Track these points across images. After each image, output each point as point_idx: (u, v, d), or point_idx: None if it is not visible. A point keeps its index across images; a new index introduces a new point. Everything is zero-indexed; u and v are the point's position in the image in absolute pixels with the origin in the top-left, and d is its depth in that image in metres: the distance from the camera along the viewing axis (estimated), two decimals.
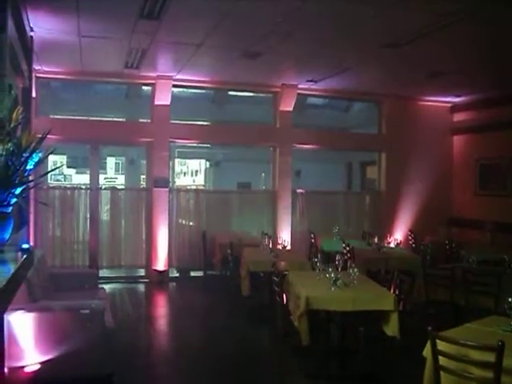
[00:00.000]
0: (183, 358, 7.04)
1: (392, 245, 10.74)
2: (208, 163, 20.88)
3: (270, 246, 9.78)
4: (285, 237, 11.79)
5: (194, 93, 14.12)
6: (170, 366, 6.81)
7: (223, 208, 12.66)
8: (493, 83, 11.38)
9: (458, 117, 13.85)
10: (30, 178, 4.06)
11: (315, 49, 9.08)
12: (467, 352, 4.09)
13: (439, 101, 13.58)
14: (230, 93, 14.84)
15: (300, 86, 12.34)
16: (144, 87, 12.65)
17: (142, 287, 11.74)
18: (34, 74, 9.58)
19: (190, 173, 22.57)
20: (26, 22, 7.54)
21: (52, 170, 12.35)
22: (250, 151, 15.23)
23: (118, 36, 8.55)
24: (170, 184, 12.69)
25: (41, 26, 7.97)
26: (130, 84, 12.90)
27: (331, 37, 8.38)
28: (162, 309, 10.60)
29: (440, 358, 4.18)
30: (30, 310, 5.15)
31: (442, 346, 4.19)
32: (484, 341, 4.10)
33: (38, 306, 5.56)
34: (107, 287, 9.71)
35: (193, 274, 12.30)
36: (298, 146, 12.90)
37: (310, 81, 11.67)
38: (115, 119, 13.01)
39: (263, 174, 15.98)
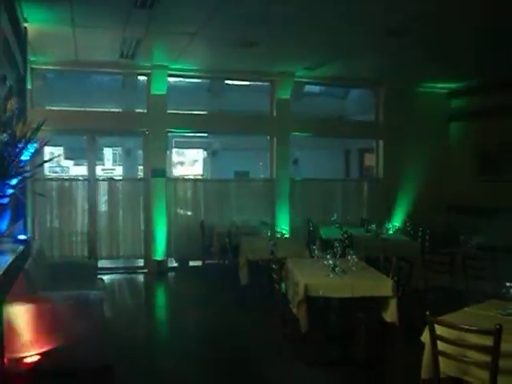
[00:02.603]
0: (183, 348, 7.05)
1: (391, 231, 10.75)
2: (205, 152, 20.86)
3: (269, 234, 9.77)
4: (283, 225, 11.80)
5: (191, 82, 14.10)
6: (170, 355, 6.81)
7: (221, 197, 12.64)
8: (491, 68, 11.33)
9: (456, 103, 13.81)
10: (26, 168, 4.04)
11: (312, 36, 9.01)
12: (465, 336, 4.10)
13: (436, 87, 13.54)
14: (227, 82, 14.80)
15: (297, 74, 12.29)
16: (140, 77, 12.62)
17: (141, 277, 11.74)
18: (28, 65, 9.52)
19: (188, 162, 22.54)
20: (19, 13, 7.50)
21: (48, 161, 12.29)
22: (248, 140, 15.20)
23: (112, 25, 8.51)
24: (168, 174, 12.67)
25: (35, 16, 7.93)
26: (125, 74, 12.87)
27: (329, 23, 8.32)
28: (161, 299, 10.63)
29: (438, 342, 4.19)
30: (28, 301, 5.14)
31: (440, 330, 4.19)
32: (482, 325, 4.11)
33: (36, 296, 5.56)
34: (106, 278, 9.73)
35: (192, 263, 12.27)
36: (296, 134, 12.87)
37: (308, 68, 11.61)
38: (112, 110, 12.96)
39: (261, 163, 15.95)
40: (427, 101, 13.42)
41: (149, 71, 11.66)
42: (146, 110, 12.05)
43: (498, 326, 3.85)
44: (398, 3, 7.34)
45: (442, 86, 13.54)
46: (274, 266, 6.72)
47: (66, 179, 12.94)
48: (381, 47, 9.74)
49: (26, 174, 4.08)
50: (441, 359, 4.21)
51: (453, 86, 13.51)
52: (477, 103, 13.10)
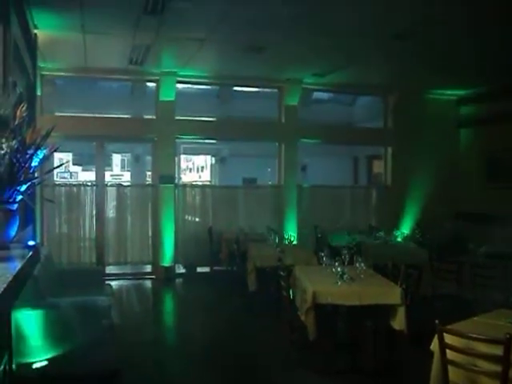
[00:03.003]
0: (190, 354, 7.05)
1: (399, 239, 10.73)
2: (214, 159, 20.88)
3: (276, 241, 9.76)
4: (291, 231, 11.78)
5: (199, 88, 14.12)
6: (178, 361, 6.81)
7: (229, 203, 12.64)
8: (499, 75, 11.30)
9: (465, 110, 13.78)
10: (36, 174, 4.05)
11: (321, 42, 9.00)
12: (475, 345, 4.08)
13: (445, 94, 13.51)
14: (235, 88, 14.82)
15: (305, 81, 12.30)
16: (149, 83, 12.66)
17: (148, 284, 11.75)
18: (38, 72, 9.57)
19: (196, 169, 22.59)
20: (29, 20, 7.54)
21: (57, 167, 12.34)
22: (256, 146, 15.20)
23: (122, 32, 8.54)
24: (176, 180, 12.69)
25: (45, 23, 7.97)
26: (134, 80, 12.91)
27: (337, 29, 8.33)
28: (168, 305, 10.63)
29: (448, 351, 4.17)
30: (37, 307, 5.16)
31: (449, 339, 4.17)
32: (492, 334, 4.08)
33: (45, 302, 5.57)
34: (114, 284, 9.72)
35: (199, 269, 12.27)
36: (304, 140, 12.87)
37: (316, 75, 11.61)
38: (120, 116, 13.00)
39: (269, 169, 15.96)
40: (436, 107, 13.38)
41: (157, 78, 11.71)
42: (154, 117, 12.08)
43: (508, 336, 3.82)
44: (407, 8, 7.34)
45: (451, 93, 13.50)
46: (281, 273, 6.72)
47: (75, 185, 12.97)
48: (390, 53, 9.74)
49: (35, 180, 4.08)
50: (450, 368, 4.19)
51: (462, 92, 13.48)
52: (485, 110, 13.06)
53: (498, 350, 3.88)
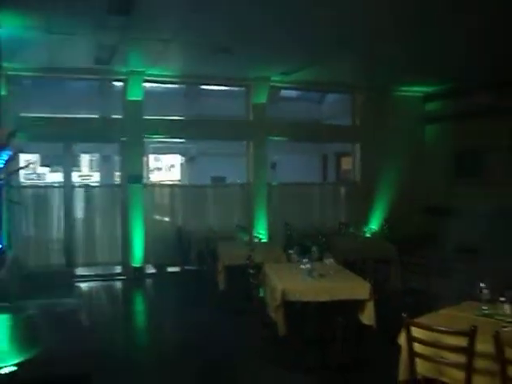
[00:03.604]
0: (161, 355, 7.02)
1: (368, 234, 10.83)
2: (182, 158, 20.79)
3: (246, 239, 9.78)
4: (261, 229, 11.81)
5: (167, 88, 14.05)
6: (148, 363, 6.78)
7: (199, 203, 12.61)
8: (464, 72, 11.48)
9: (431, 106, 13.97)
10: (0, 176, 4.01)
11: (286, 41, 9.04)
12: (441, 338, 4.15)
13: (412, 91, 13.68)
14: (203, 87, 14.79)
15: (273, 79, 12.33)
16: (116, 83, 12.56)
17: (119, 284, 11.67)
18: (2, 72, 9.43)
19: (165, 168, 22.46)
20: None
21: (22, 168, 12.19)
22: (225, 145, 15.18)
23: (87, 32, 8.44)
24: (145, 180, 12.62)
25: (8, 22, 7.85)
26: (101, 80, 12.80)
27: (303, 29, 8.35)
28: (139, 305, 10.57)
29: (415, 344, 4.23)
30: (3, 311, 5.10)
31: (417, 332, 4.24)
32: (458, 326, 4.16)
33: (12, 306, 5.51)
34: (84, 285, 9.68)
35: (170, 269, 12.21)
36: (273, 138, 12.90)
37: (283, 73, 11.64)
38: (88, 116, 12.87)
39: (238, 168, 15.96)
40: (403, 104, 13.56)
41: (125, 77, 11.61)
42: (122, 116, 11.99)
43: (473, 327, 3.90)
44: (372, 8, 7.40)
45: (417, 90, 13.69)
46: (250, 271, 6.74)
47: (42, 186, 12.85)
48: (355, 52, 9.81)
49: (1, 182, 4.04)
50: (417, 361, 4.25)
51: (428, 89, 13.66)
52: (450, 106, 13.30)
53: (463, 342, 3.96)
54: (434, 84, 13.15)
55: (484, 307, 4.71)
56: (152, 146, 16.55)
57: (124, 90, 11.85)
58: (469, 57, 10.11)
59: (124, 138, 11.92)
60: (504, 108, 11.79)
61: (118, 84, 12.30)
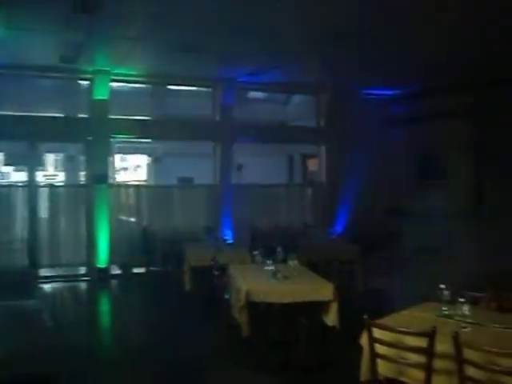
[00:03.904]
0: (125, 357, 6.96)
1: (333, 235, 10.90)
2: (149, 158, 20.64)
3: (212, 240, 9.77)
4: (227, 230, 11.82)
5: (134, 87, 13.94)
6: (111, 365, 6.72)
7: (165, 203, 12.56)
8: (428, 75, 11.65)
9: (395, 109, 14.13)
10: None
11: (252, 42, 9.07)
12: (402, 338, 4.21)
13: (376, 93, 13.82)
14: (171, 87, 14.71)
15: (239, 80, 12.34)
16: (82, 81, 12.42)
17: (83, 285, 11.56)
18: None
19: (132, 168, 22.27)
20: None
21: None
22: (192, 146, 15.13)
23: (51, 29, 8.34)
24: (111, 180, 12.52)
25: None
26: (66, 78, 12.64)
27: (268, 30, 8.39)
28: (103, 307, 10.47)
29: (376, 345, 4.28)
30: None
31: (378, 333, 4.29)
32: (418, 327, 4.22)
33: None
34: (47, 286, 9.56)
35: (135, 270, 12.12)
36: (239, 139, 12.91)
37: (249, 74, 11.67)
38: (53, 115, 12.69)
39: (205, 169, 15.92)
40: (368, 106, 13.65)
41: (91, 76, 11.50)
42: (88, 115, 11.86)
43: (432, 328, 3.97)
44: (338, 11, 7.47)
45: (382, 93, 13.83)
46: (215, 273, 6.75)
47: (5, 186, 12.64)
48: (321, 54, 9.89)
49: None
50: (379, 361, 4.31)
51: (391, 92, 13.82)
52: (413, 109, 13.48)
53: (423, 343, 4.02)
54: (398, 87, 13.31)
55: (444, 308, 4.78)
56: (118, 145, 16.39)
57: (90, 88, 11.74)
58: (432, 60, 10.26)
59: (89, 138, 11.82)
60: (465, 110, 12.03)
61: (84, 83, 12.17)
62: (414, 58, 10.18)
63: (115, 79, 11.85)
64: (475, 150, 11.94)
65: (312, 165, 16.14)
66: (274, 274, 6.35)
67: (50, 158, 21.94)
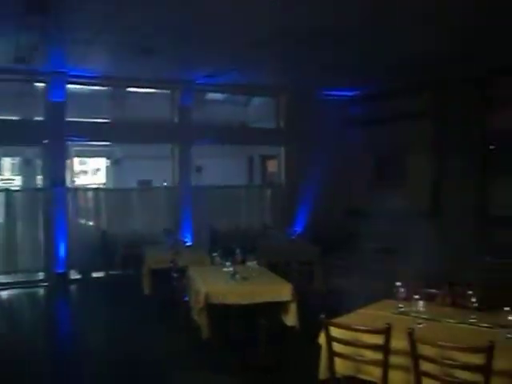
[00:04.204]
0: (85, 362, 6.88)
1: (292, 236, 10.94)
2: (108, 161, 20.42)
3: (172, 242, 9.71)
4: (186, 233, 11.77)
5: (92, 89, 13.78)
6: (70, 372, 6.63)
7: (124, 206, 12.43)
8: (384, 77, 11.81)
9: (354, 110, 14.27)
10: None
11: (208, 45, 9.07)
12: (360, 336, 4.25)
13: (335, 94, 13.93)
14: (130, 89, 14.58)
15: (198, 82, 12.30)
16: (38, 83, 12.21)
17: (41, 291, 11.37)
18: None
19: (91, 171, 22.02)
20: None
21: None
22: (151, 148, 15.03)
23: (5, 30, 8.17)
24: (70, 183, 12.35)
25: None
26: (22, 80, 12.41)
27: (224, 32, 8.39)
28: (61, 313, 10.29)
29: (334, 343, 4.31)
30: None
31: (335, 332, 4.32)
32: (375, 324, 4.28)
33: None
34: (3, 293, 9.37)
35: (94, 274, 11.97)
36: (199, 141, 12.88)
37: (208, 76, 11.64)
38: (8, 118, 12.46)
39: (164, 171, 15.83)
40: (326, 107, 13.69)
41: (46, 77, 11.32)
42: (44, 118, 11.67)
43: (387, 325, 4.02)
44: (292, 12, 7.50)
45: (341, 94, 13.94)
46: (174, 275, 6.72)
47: None
48: (277, 56, 9.93)
49: None
50: (337, 360, 4.34)
51: (351, 93, 13.95)
52: (372, 110, 13.65)
53: (380, 340, 4.07)
54: (357, 88, 13.45)
55: (400, 305, 4.86)
56: (76, 148, 16.18)
57: (46, 90, 11.55)
58: (390, 61, 10.39)
59: (46, 141, 11.61)
60: (422, 112, 12.23)
61: (40, 85, 11.97)
62: (372, 58, 10.28)
63: (72, 81, 11.67)
64: (433, 150, 12.12)
65: (271, 166, 16.19)
66: (233, 275, 6.35)
67: (6, 162, 21.55)
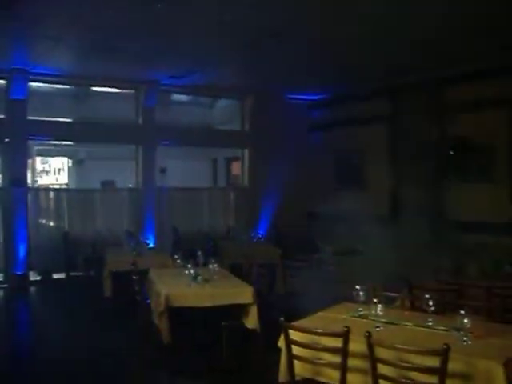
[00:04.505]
0: (43, 365, 6.77)
1: (255, 239, 10.96)
2: (71, 161, 20.17)
3: (133, 244, 9.64)
4: (149, 234, 11.69)
5: (55, 88, 13.60)
6: (29, 373, 6.53)
7: (86, 207, 12.28)
8: (342, 83, 11.97)
9: (316, 113, 14.41)
10: None
11: (174, 45, 9.05)
12: (319, 339, 4.28)
13: (299, 98, 14.02)
14: (94, 89, 14.43)
15: (163, 82, 12.24)
16: None
17: (0, 293, 11.15)
18: None
19: (53, 171, 21.72)
20: None
21: None
22: (115, 149, 14.90)
23: None
24: (31, 183, 12.15)
25: None
26: None
27: (189, 34, 8.38)
28: (20, 315, 10.10)
29: (293, 347, 4.33)
30: None
31: (295, 335, 4.34)
32: (334, 327, 4.31)
33: None
34: None
35: (55, 276, 11.79)
36: (163, 142, 12.82)
37: (173, 77, 11.59)
38: None
39: (129, 172, 15.71)
40: (290, 111, 13.77)
41: (7, 75, 11.11)
42: (4, 116, 11.46)
43: (346, 328, 4.05)
44: (255, 18, 7.54)
45: (304, 98, 14.05)
46: (134, 277, 6.67)
47: None
48: (242, 59, 10.00)
49: None
50: (296, 362, 4.36)
51: (315, 97, 14.06)
52: (332, 114, 13.85)
53: (338, 343, 4.10)
54: (321, 92, 13.57)
55: (360, 308, 4.90)
56: (38, 148, 15.97)
57: (6, 88, 11.33)
58: (352, 66, 10.52)
59: (6, 139, 11.40)
60: (379, 117, 12.42)
61: (1, 82, 11.74)
62: (334, 63, 10.39)
63: (34, 79, 11.49)
64: (391, 155, 12.31)
65: (236, 168, 16.21)
66: (194, 277, 6.34)
67: None
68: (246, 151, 13.84)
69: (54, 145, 15.59)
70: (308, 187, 13.53)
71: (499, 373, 3.60)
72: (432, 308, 4.62)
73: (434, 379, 3.67)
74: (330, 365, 4.22)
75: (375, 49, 9.25)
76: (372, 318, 4.68)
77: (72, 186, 18.89)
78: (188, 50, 9.51)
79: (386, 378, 3.90)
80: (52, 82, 12.42)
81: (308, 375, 4.42)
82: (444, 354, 3.61)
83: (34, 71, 11.10)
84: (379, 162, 12.49)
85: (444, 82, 11.10)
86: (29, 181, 13.06)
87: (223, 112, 16.27)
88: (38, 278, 11.84)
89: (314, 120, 14.40)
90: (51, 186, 16.36)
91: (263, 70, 11.32)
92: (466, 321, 4.12)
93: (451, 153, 10.95)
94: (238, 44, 8.90)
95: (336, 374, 4.16)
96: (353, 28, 8.11)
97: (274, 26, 7.99)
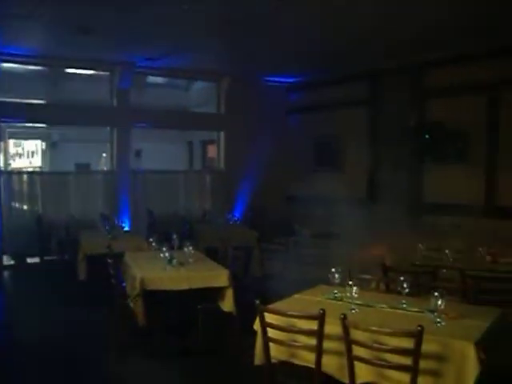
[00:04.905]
0: (17, 350, 6.72)
1: (231, 222, 10.94)
2: (44, 144, 19.94)
3: (108, 227, 9.55)
4: (124, 217, 11.60)
5: (28, 69, 13.37)
6: (1, 357, 6.48)
7: (60, 190, 12.15)
8: (321, 66, 11.93)
9: (294, 96, 14.36)
10: None
11: (149, 26, 8.91)
12: (294, 322, 4.28)
13: (276, 81, 13.96)
14: (69, 70, 14.22)
15: (138, 64, 12.08)
16: None
17: None
18: None
19: (27, 154, 21.48)
20: None
21: None
22: (89, 131, 14.74)
23: None
24: (4, 167, 11.98)
25: None
26: None
27: (164, 14, 8.25)
28: None
29: (269, 329, 4.33)
30: None
31: (270, 318, 4.33)
32: (310, 310, 4.31)
33: None
34: None
35: (29, 260, 11.67)
36: (138, 125, 12.70)
37: (148, 59, 11.45)
38: None
39: (104, 154, 15.56)
40: (267, 93, 13.74)
41: None
42: None
43: (321, 311, 4.05)
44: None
45: (281, 80, 13.98)
46: (109, 261, 6.61)
47: None
48: (216, 44, 9.90)
49: None
50: (272, 345, 4.36)
51: (292, 80, 14.01)
52: (310, 97, 13.82)
53: (313, 325, 4.10)
54: (298, 74, 13.52)
55: (335, 291, 4.91)
56: (10, 130, 15.72)
57: None
58: (329, 48, 10.48)
59: None
60: (358, 101, 12.44)
61: None
62: (310, 45, 10.33)
63: (6, 59, 11.26)
64: (369, 138, 12.35)
65: (212, 151, 16.15)
66: (170, 260, 6.30)
67: None
68: (222, 134, 13.77)
69: (27, 127, 15.39)
70: (286, 170, 13.52)
71: (471, 353, 3.64)
72: (406, 290, 4.64)
73: (409, 360, 3.69)
74: (305, 347, 4.23)
75: (352, 36, 9.22)
76: (347, 301, 4.68)
77: (46, 169, 18.71)
78: (163, 34, 9.38)
79: (361, 359, 3.92)
80: (24, 63, 12.16)
81: (284, 358, 4.43)
82: (418, 335, 3.63)
83: (5, 51, 10.86)
84: (358, 145, 12.53)
85: (424, 67, 11.15)
86: (1, 164, 12.88)
87: (199, 94, 16.17)
88: (12, 263, 11.70)
89: (292, 103, 14.37)
90: (25, 169, 16.20)
91: (238, 55, 11.26)
92: (439, 302, 4.14)
93: (426, 137, 11.01)
94: (212, 30, 8.81)
95: (311, 357, 4.17)
96: (330, 14, 8.05)
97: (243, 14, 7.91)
